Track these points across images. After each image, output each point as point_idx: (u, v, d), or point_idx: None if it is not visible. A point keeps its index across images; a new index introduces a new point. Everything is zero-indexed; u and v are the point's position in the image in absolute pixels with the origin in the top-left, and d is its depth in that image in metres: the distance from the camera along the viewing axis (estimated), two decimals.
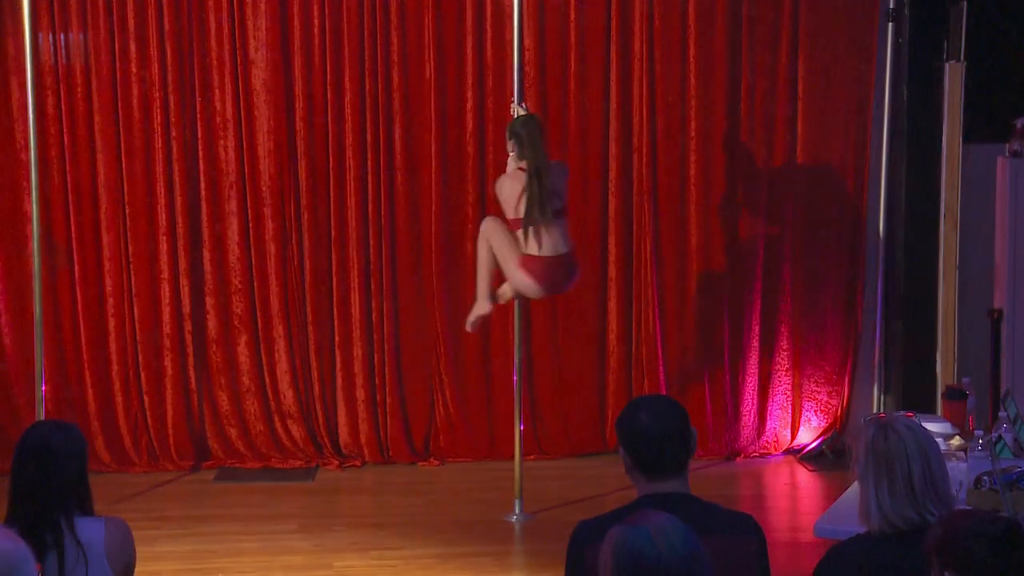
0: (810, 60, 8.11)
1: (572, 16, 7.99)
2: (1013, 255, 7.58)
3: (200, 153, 8.01)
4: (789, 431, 8.33)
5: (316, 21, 7.97)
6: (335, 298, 8.15)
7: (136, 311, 8.05)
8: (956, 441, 5.84)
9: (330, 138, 8.03)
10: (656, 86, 8.08)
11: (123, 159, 7.97)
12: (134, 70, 7.92)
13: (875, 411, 8.12)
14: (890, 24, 8.10)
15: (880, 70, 8.12)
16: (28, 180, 7.68)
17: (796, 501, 7.98)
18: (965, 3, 7.89)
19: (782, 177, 8.19)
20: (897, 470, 3.54)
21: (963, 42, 7.90)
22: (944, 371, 8.04)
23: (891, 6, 8.09)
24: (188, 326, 8.10)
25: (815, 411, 8.31)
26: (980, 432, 5.69)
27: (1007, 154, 7.69)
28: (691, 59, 8.07)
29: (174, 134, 7.96)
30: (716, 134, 8.15)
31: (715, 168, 8.18)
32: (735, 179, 8.19)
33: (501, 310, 8.07)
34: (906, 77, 8.10)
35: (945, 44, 8.00)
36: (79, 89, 7.93)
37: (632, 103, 8.11)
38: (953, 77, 7.93)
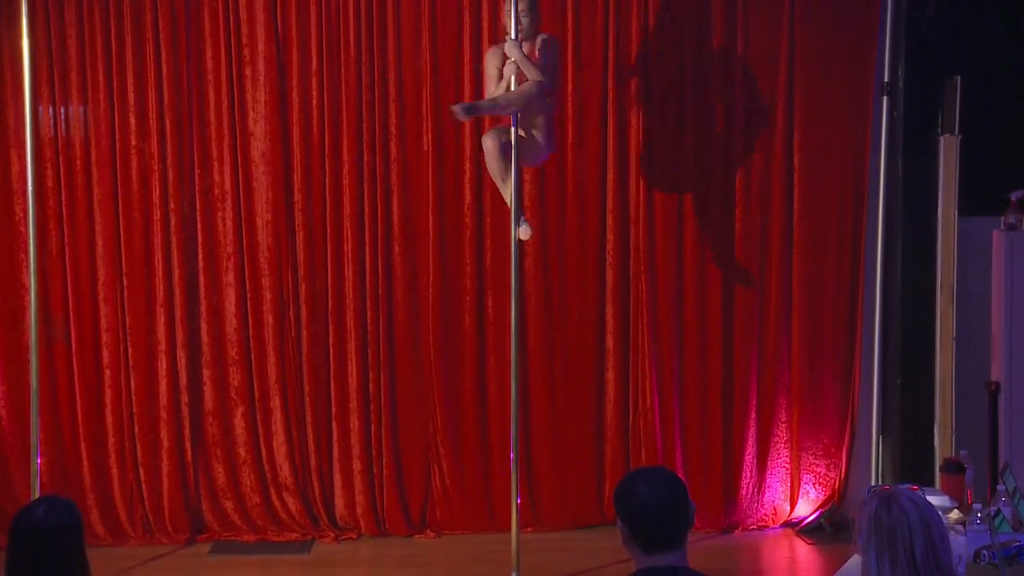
0: (805, 133, 8.15)
1: (569, 88, 8.04)
2: (1010, 327, 7.59)
3: (199, 225, 8.04)
4: (788, 503, 8.30)
5: (315, 93, 8.02)
6: (332, 369, 8.14)
7: (133, 383, 8.04)
8: (955, 514, 5.83)
9: (328, 209, 8.07)
10: (652, 160, 8.12)
11: (121, 231, 7.99)
12: (133, 143, 7.96)
13: (873, 484, 8.09)
14: (885, 98, 8.15)
15: (875, 143, 8.17)
16: (26, 252, 7.71)
17: (794, 574, 7.94)
18: (959, 78, 7.96)
19: (779, 249, 8.21)
20: (899, 543, 3.53)
21: (957, 116, 7.96)
22: (942, 444, 8.03)
23: (886, 80, 8.15)
24: (185, 398, 8.08)
25: (813, 483, 8.28)
26: (979, 506, 5.68)
27: (1002, 227, 7.72)
28: (688, 134, 8.11)
29: (172, 206, 7.99)
30: (712, 206, 8.18)
31: (712, 241, 8.19)
32: (731, 251, 8.21)
33: (498, 380, 8.09)
34: (901, 151, 8.15)
35: (940, 118, 8.06)
36: (78, 162, 7.97)
37: (629, 174, 8.15)
38: (948, 151, 7.98)
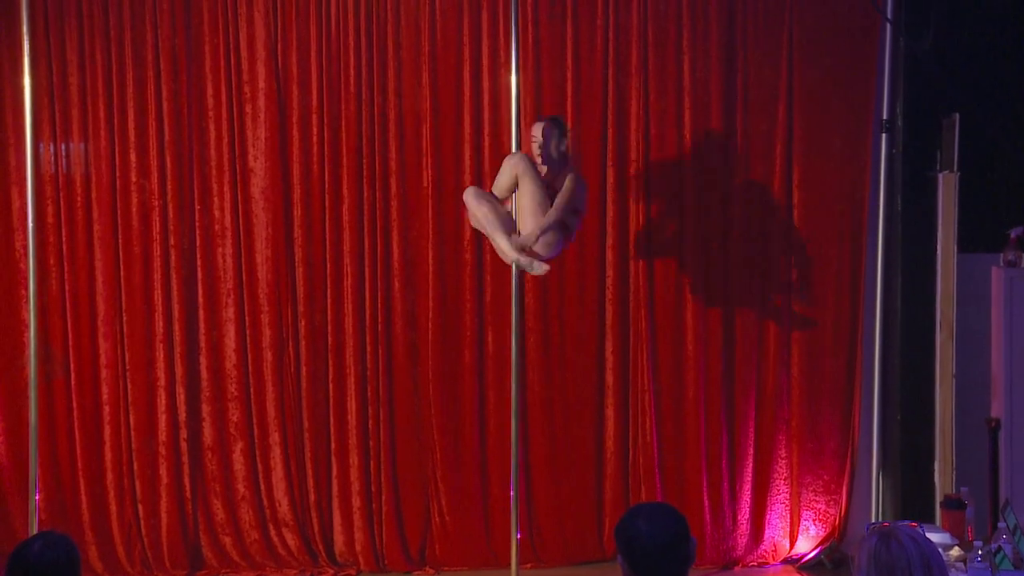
0: (804, 170, 8.17)
1: (570, 124, 8.05)
2: (1009, 364, 7.59)
3: (198, 261, 8.05)
4: (787, 540, 8.28)
5: (315, 130, 8.04)
6: (331, 405, 8.13)
7: (132, 419, 8.03)
8: (955, 551, 5.82)
9: (328, 246, 8.08)
10: (652, 197, 8.14)
11: (121, 268, 8.00)
12: (134, 179, 7.98)
13: (873, 520, 8.07)
14: (883, 135, 8.18)
15: (874, 180, 8.18)
16: (26, 288, 7.72)
17: None
18: (957, 115, 7.98)
19: (778, 286, 8.22)
20: None
21: (956, 153, 7.98)
22: (942, 480, 8.02)
23: (884, 117, 8.17)
24: (184, 434, 8.07)
25: (813, 520, 8.26)
26: (979, 543, 5.67)
27: (1001, 263, 7.73)
28: (687, 171, 8.13)
29: (172, 242, 8.00)
30: (712, 242, 8.19)
31: (712, 277, 8.20)
32: (731, 288, 8.22)
33: (497, 415, 8.07)
34: (900, 188, 8.17)
35: (938, 155, 8.08)
36: (79, 198, 7.98)
37: (628, 209, 8.16)
38: (947, 188, 8.00)
